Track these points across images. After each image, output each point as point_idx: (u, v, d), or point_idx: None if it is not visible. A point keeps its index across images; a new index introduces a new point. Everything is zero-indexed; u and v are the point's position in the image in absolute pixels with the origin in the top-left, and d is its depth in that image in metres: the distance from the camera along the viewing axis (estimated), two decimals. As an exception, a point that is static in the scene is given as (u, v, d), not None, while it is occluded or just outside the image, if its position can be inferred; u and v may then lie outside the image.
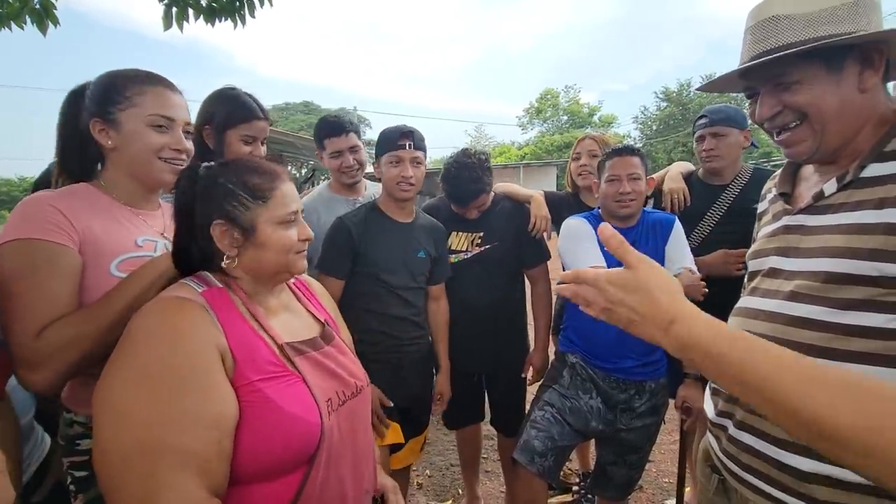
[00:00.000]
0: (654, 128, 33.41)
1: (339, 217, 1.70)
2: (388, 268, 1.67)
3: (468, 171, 1.84)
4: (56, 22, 2.36)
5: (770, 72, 0.87)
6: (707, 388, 1.10)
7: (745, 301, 1.02)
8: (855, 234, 0.82)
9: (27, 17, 2.21)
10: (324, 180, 2.27)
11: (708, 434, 1.08)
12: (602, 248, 1.69)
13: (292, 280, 1.05)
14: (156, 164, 1.05)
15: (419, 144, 1.69)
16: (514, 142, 37.23)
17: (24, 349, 0.88)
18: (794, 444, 0.85)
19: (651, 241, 1.71)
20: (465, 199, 1.88)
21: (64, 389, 1.04)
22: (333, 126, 1.94)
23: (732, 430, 0.96)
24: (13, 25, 2.18)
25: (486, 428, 2.34)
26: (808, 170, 1.00)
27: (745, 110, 1.79)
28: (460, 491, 2.47)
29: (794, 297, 0.88)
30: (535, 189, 2.19)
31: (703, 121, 1.96)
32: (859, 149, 0.87)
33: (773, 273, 0.96)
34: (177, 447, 0.65)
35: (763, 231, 1.06)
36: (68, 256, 0.93)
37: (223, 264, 0.85)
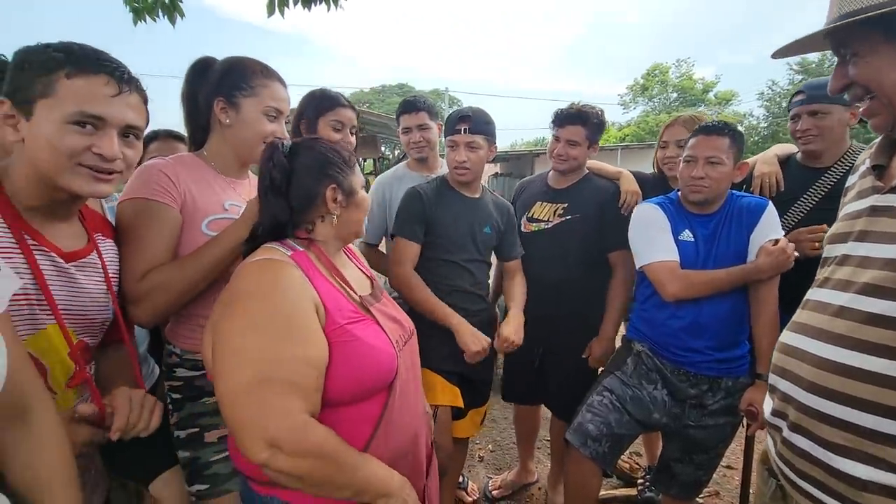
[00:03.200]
0: (784, 105, 29.21)
1: (413, 186, 1.77)
2: (455, 240, 1.71)
3: (577, 106, 1.90)
4: (182, 14, 2.70)
5: (836, 42, 0.79)
6: (768, 383, 0.99)
7: (814, 293, 0.90)
8: None
9: (159, 10, 2.56)
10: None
11: (767, 435, 0.99)
12: (676, 238, 1.57)
13: None
14: (260, 148, 1.19)
15: (478, 128, 1.67)
16: (615, 122, 34.88)
17: (130, 288, 1.07)
18: (849, 450, 0.76)
19: (735, 229, 1.54)
20: (561, 119, 1.89)
21: (167, 326, 1.25)
22: (407, 104, 2.07)
23: (786, 433, 0.87)
24: (147, 18, 2.54)
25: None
26: None
27: None
28: (520, 468, 2.49)
29: (868, 289, 0.76)
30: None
31: (799, 97, 1.71)
32: None
33: (848, 261, 0.83)
34: (284, 379, 0.79)
35: (845, 210, 0.92)
36: (171, 214, 1.12)
37: (334, 221, 1.00)
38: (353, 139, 1.73)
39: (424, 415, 1.12)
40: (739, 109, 30.78)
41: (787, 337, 0.92)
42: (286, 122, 1.30)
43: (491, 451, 2.75)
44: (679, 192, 1.66)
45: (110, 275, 1.01)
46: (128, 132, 0.90)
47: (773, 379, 0.94)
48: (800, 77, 28.69)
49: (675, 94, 33.35)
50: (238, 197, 1.25)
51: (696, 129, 1.57)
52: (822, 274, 0.91)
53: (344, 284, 0.97)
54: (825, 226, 1.59)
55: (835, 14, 0.78)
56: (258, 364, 0.79)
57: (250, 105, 1.19)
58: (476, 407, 1.86)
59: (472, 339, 1.57)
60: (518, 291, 1.85)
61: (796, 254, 1.46)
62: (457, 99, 31.36)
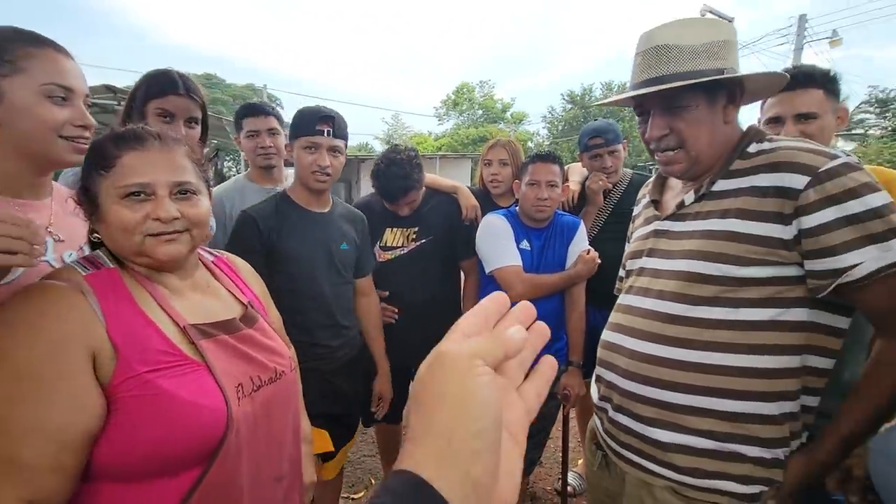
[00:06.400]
0: (560, 128, 35.62)
1: (242, 210, 1.54)
2: (306, 266, 1.54)
3: (398, 167, 1.81)
4: None
5: (663, 94, 0.97)
6: (594, 374, 1.20)
7: (623, 298, 1.14)
8: (705, 240, 0.95)
9: None
10: (228, 162, 2.14)
11: (594, 415, 1.20)
12: (518, 246, 1.80)
13: (211, 258, 0.98)
14: (57, 144, 0.90)
15: (339, 132, 1.56)
16: (432, 132, 37.49)
17: None
18: (658, 421, 0.98)
19: (559, 241, 1.85)
20: (395, 195, 1.85)
21: None
22: (254, 107, 1.94)
23: (611, 413, 1.08)
24: None
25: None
26: (674, 180, 1.14)
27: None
28: (373, 481, 2.48)
29: (661, 295, 1.00)
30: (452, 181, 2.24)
31: (598, 140, 2.12)
32: (714, 167, 1.01)
33: (644, 272, 1.08)
34: (2, 455, 0.62)
35: (637, 233, 1.19)
36: None
37: (92, 238, 0.80)
38: (191, 132, 1.45)
39: (279, 483, 0.91)
40: (529, 128, 36.34)
41: (608, 335, 1.14)
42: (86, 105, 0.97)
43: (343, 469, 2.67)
44: (517, 208, 1.90)
45: None
46: None
47: (598, 370, 1.15)
48: (570, 106, 35.44)
49: (480, 111, 37.44)
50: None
51: (535, 157, 1.83)
52: (627, 283, 1.16)
53: (169, 316, 0.77)
54: (602, 175, 2.06)
55: (650, 75, 0.96)
56: None
57: (18, 87, 0.87)
58: (348, 440, 1.78)
59: None
60: (375, 319, 1.83)
61: (598, 261, 1.83)
62: (275, 97, 29.29)
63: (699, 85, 0.93)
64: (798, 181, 0.86)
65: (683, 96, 0.96)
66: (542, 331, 0.36)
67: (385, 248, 1.98)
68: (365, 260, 1.78)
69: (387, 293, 1.98)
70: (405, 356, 1.99)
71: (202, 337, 0.79)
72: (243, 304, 0.94)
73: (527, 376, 0.36)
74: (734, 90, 0.98)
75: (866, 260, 0.82)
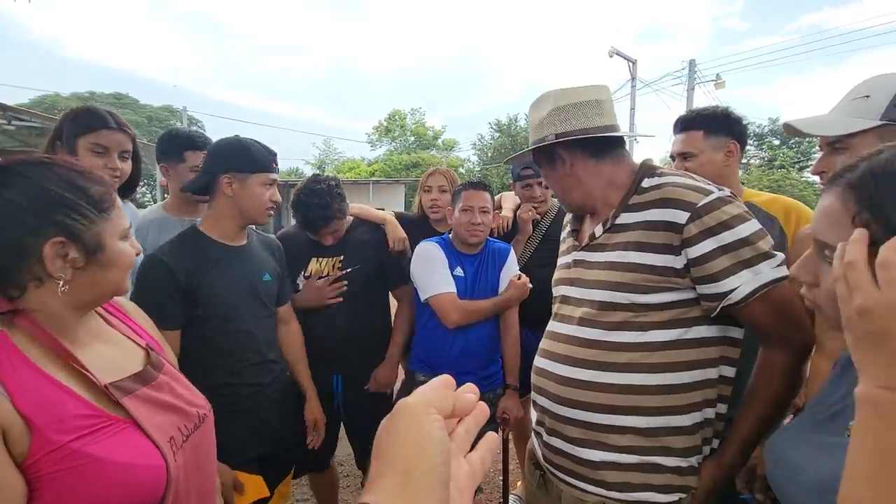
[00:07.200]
0: (490, 155, 37.04)
1: (148, 255, 1.41)
2: (233, 303, 1.44)
3: (317, 197, 1.79)
4: None
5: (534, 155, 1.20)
6: (531, 399, 1.24)
7: (551, 325, 1.21)
8: (613, 270, 1.04)
9: None
10: (142, 188, 2.02)
11: (532, 437, 1.25)
12: (452, 272, 1.84)
13: None
14: None
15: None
16: (364, 158, 37.43)
17: None
18: (587, 441, 1.04)
19: (491, 267, 1.91)
20: (316, 225, 1.83)
21: None
22: (201, 141, 1.87)
23: (546, 437, 1.13)
24: None
25: (342, 467, 2.27)
26: None
27: None
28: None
29: (581, 321, 1.08)
30: (386, 206, 2.23)
31: (529, 171, 2.25)
32: (613, 202, 1.11)
33: (566, 300, 1.16)
34: None
35: (560, 261, 1.28)
36: None
37: (60, 290, 0.71)
38: (125, 165, 1.45)
39: None
40: (460, 155, 37.44)
41: (539, 361, 1.19)
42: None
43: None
44: (450, 235, 1.94)
45: None
46: None
47: (533, 396, 1.20)
48: (497, 134, 37.07)
49: (412, 138, 38.04)
50: None
51: (467, 184, 1.90)
52: (554, 310, 1.23)
53: (79, 373, 0.70)
54: (531, 206, 2.20)
55: (539, 137, 1.15)
56: None
57: None
58: (284, 477, 1.67)
59: None
60: (298, 346, 1.76)
61: (529, 285, 1.90)
62: (197, 120, 27.76)
63: (537, 149, 1.15)
64: (681, 216, 0.95)
65: (534, 158, 1.23)
66: (484, 409, 0.41)
67: (309, 278, 1.93)
68: (285, 288, 1.72)
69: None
70: (330, 386, 1.92)
71: (123, 395, 0.74)
72: (143, 347, 0.89)
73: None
74: (572, 148, 1.11)
75: (743, 283, 0.92)
